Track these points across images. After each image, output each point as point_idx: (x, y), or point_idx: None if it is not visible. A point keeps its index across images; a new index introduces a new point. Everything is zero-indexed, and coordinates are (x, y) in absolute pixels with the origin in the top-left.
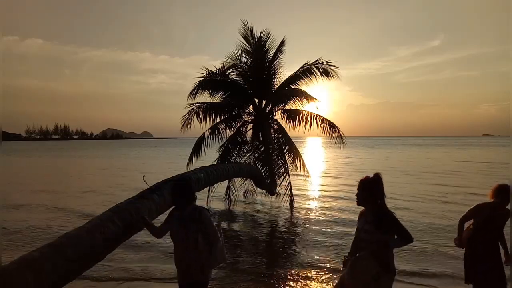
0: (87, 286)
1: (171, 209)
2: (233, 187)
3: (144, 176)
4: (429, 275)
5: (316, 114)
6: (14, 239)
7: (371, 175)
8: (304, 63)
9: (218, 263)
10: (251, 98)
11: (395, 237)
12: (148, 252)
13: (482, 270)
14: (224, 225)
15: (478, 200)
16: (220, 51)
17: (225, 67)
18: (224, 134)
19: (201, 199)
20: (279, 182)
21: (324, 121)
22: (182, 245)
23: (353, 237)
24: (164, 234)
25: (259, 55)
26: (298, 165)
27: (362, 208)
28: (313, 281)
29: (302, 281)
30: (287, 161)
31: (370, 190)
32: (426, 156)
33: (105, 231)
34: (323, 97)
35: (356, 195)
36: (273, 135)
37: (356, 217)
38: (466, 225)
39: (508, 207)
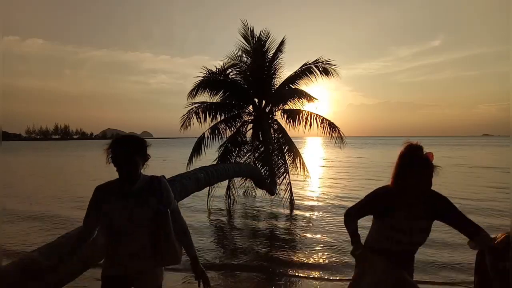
0: (88, 285)
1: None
2: (233, 187)
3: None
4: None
5: (316, 114)
6: None
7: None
8: (304, 63)
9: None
10: (251, 98)
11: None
12: None
13: None
14: (224, 224)
15: None
16: (221, 51)
17: (225, 66)
18: (224, 134)
19: (201, 198)
20: (279, 182)
21: (324, 121)
22: (136, 232)
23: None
24: (94, 231)
25: (259, 55)
26: (298, 165)
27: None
28: (313, 280)
29: (302, 280)
30: (287, 161)
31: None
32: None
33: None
34: (323, 97)
35: (423, 181)
36: (273, 135)
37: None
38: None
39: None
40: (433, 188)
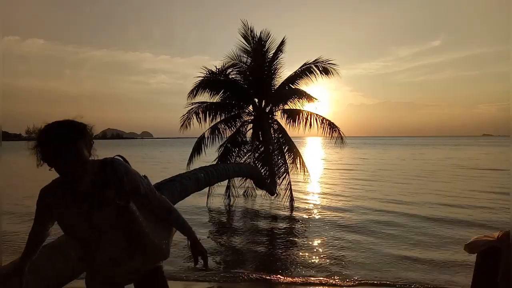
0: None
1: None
2: (233, 187)
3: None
4: None
5: (316, 114)
6: None
7: None
8: (304, 63)
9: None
10: (251, 98)
11: None
12: None
13: None
14: (223, 227)
15: None
16: (221, 51)
17: (225, 66)
18: (224, 134)
19: (201, 198)
20: (279, 182)
21: (324, 121)
22: (105, 238)
23: (351, 234)
24: (46, 231)
25: (259, 55)
26: (298, 165)
27: None
28: (312, 282)
29: (301, 281)
30: (287, 161)
31: None
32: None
33: None
34: (323, 97)
35: None
36: (273, 135)
37: (356, 214)
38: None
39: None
40: (431, 191)
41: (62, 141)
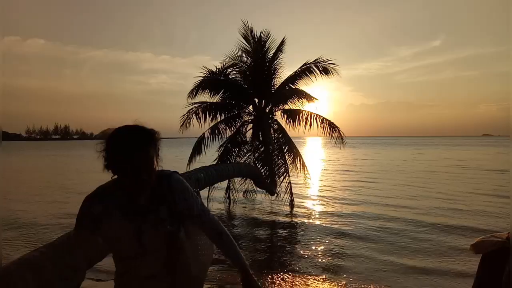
0: (88, 286)
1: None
2: (233, 187)
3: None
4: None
5: (316, 114)
6: None
7: None
8: (304, 63)
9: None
10: (251, 98)
11: None
12: None
13: None
14: (223, 225)
15: None
16: (221, 51)
17: (225, 66)
18: (224, 134)
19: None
20: (279, 182)
21: (324, 121)
22: (149, 257)
23: (351, 236)
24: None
25: (259, 55)
26: (298, 165)
27: None
28: (311, 283)
29: (300, 281)
30: (287, 161)
31: None
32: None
33: None
34: (323, 97)
35: None
36: (273, 135)
37: (356, 219)
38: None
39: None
40: (431, 193)
41: (136, 143)
